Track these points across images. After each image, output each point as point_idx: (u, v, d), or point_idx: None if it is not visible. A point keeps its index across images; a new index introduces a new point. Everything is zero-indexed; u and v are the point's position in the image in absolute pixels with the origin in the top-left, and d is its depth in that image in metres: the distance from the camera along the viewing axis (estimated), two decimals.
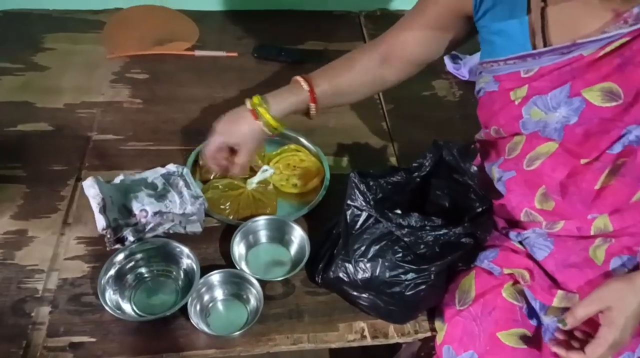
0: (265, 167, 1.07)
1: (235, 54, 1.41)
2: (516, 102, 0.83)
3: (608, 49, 0.74)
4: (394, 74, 1.01)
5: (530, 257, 0.87)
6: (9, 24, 1.42)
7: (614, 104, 0.76)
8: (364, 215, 0.86)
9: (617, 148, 0.78)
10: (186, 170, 1.02)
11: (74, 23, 1.45)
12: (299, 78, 0.97)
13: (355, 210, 0.87)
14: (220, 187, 1.06)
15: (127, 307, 0.88)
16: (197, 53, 1.40)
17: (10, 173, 1.07)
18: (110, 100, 1.26)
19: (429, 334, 0.91)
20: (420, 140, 1.23)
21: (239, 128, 0.95)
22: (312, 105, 0.97)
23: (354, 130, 1.26)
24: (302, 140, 1.18)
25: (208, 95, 1.30)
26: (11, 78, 1.28)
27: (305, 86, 0.95)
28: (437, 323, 0.90)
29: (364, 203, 0.85)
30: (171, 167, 1.00)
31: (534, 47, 0.80)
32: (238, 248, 0.95)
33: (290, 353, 1.43)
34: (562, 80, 0.78)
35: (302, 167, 1.11)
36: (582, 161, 0.80)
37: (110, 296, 0.87)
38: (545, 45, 0.79)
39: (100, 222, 0.95)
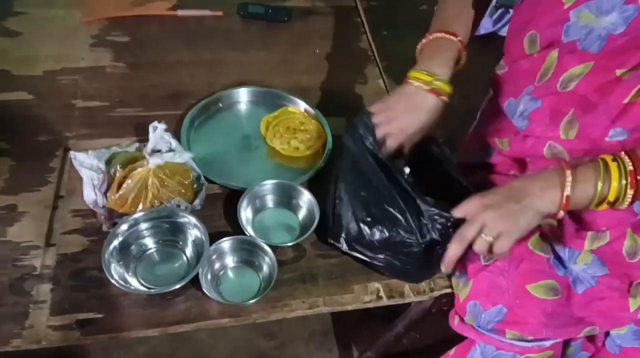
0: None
1: (220, 13, 1.35)
2: (566, 5, 0.80)
3: None
4: None
5: None
6: None
7: None
8: None
9: None
10: (175, 143, 0.97)
11: None
12: (440, 34, 0.92)
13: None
14: None
15: (133, 280, 0.84)
16: (180, 12, 1.33)
17: None
18: (92, 65, 1.19)
19: (445, 291, 0.91)
20: None
21: (421, 113, 0.88)
22: (464, 54, 0.93)
23: (350, 90, 1.23)
24: (299, 101, 1.14)
25: (196, 59, 1.24)
26: None
27: (454, 38, 0.91)
28: (456, 280, 0.89)
29: None
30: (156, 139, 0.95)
31: None
32: (245, 214, 0.92)
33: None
34: None
35: (303, 130, 1.07)
36: (618, 72, 0.78)
37: (116, 269, 0.83)
38: None
39: (90, 195, 0.91)
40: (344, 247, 0.89)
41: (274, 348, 1.38)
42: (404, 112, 0.88)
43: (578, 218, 0.83)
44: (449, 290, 0.91)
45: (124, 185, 0.88)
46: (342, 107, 1.18)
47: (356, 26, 1.40)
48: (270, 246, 0.87)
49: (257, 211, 0.95)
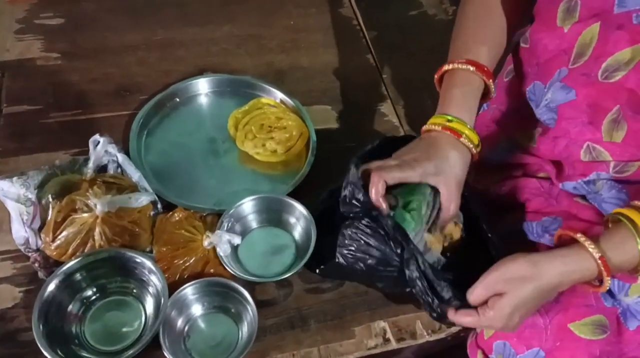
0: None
1: None
2: None
3: None
4: None
5: (601, 217, 0.69)
6: None
7: None
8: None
9: None
10: (122, 158, 0.78)
11: None
12: (456, 65, 0.68)
13: None
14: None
15: (77, 349, 0.66)
16: None
17: None
18: (19, 57, 0.99)
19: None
20: (412, 76, 1.04)
21: (442, 154, 0.65)
22: (491, 82, 0.69)
23: (335, 69, 1.03)
24: (274, 90, 0.94)
25: (146, 40, 1.04)
26: None
27: (471, 67, 0.68)
28: None
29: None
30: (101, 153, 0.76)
31: None
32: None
33: None
34: None
35: (280, 127, 0.88)
36: None
37: (52, 335, 0.65)
38: None
39: (20, 233, 0.73)
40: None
41: None
42: (419, 150, 0.66)
43: None
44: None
45: (64, 232, 0.69)
46: (326, 93, 1.00)
47: None
48: (252, 283, 0.70)
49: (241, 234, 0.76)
